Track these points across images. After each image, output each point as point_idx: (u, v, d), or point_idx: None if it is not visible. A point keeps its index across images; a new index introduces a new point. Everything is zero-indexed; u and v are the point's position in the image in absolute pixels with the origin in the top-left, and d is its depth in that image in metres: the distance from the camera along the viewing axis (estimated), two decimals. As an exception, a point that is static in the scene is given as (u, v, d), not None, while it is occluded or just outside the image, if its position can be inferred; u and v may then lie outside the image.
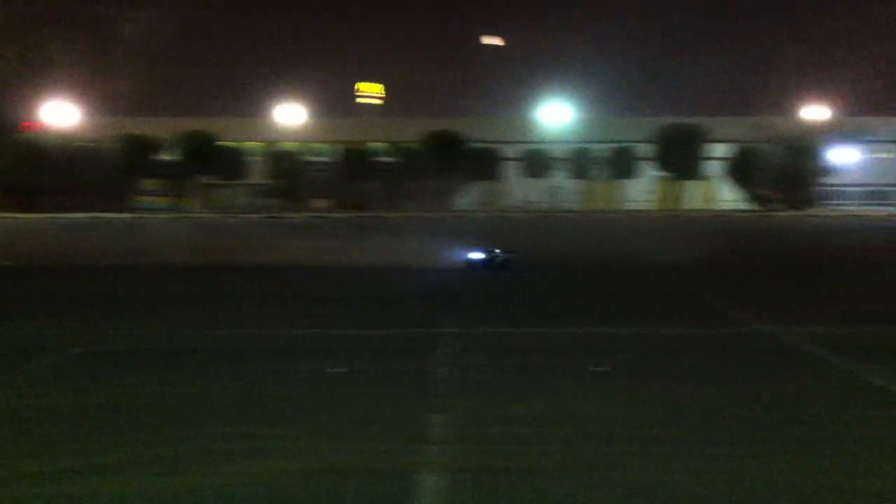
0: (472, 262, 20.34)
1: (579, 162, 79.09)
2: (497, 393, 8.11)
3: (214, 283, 18.08)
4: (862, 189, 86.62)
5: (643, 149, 76.75)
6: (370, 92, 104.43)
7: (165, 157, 77.99)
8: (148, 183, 79.38)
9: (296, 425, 7.10)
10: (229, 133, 78.97)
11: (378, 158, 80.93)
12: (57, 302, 15.23)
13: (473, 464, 6.09)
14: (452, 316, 13.07)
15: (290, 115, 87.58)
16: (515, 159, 79.17)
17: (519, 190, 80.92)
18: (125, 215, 61.88)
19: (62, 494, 5.48)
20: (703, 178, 79.11)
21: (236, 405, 7.77)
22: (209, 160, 74.76)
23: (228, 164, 77.00)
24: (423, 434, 6.79)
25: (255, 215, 63.58)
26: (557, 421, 7.22)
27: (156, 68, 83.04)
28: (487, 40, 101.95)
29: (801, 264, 24.06)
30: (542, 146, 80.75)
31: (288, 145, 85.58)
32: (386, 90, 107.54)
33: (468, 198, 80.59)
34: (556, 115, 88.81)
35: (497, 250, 20.55)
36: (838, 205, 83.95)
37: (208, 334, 11.66)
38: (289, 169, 78.39)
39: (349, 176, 77.69)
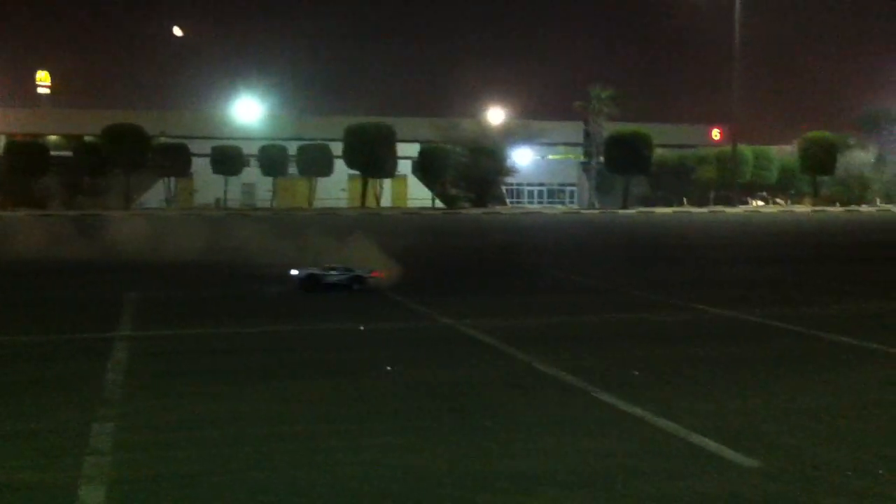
0: None
1: (272, 159, 78.25)
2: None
3: None
4: (539, 188, 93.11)
5: (335, 147, 77.40)
6: (43, 81, 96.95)
7: None
8: None
9: None
10: None
11: (52, 153, 75.31)
12: None
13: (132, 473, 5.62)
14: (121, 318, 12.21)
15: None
16: (207, 155, 76.91)
17: (211, 187, 78.73)
18: None
19: None
20: (395, 176, 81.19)
21: None
22: None
23: None
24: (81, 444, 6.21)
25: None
26: (215, 422, 6.86)
27: None
28: (177, 30, 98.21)
29: (479, 260, 25.17)
30: (234, 142, 79.06)
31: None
32: (59, 79, 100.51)
33: (157, 195, 77.25)
34: (248, 111, 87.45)
35: None
36: (518, 203, 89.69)
37: None
38: None
39: (19, 171, 71.63)
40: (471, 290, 15.98)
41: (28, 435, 6.52)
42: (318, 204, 77.53)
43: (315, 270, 15.15)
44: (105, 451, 6.09)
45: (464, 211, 71.54)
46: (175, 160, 74.05)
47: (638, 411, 7.14)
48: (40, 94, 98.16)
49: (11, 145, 74.49)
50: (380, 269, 15.69)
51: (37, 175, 71.52)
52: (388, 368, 8.78)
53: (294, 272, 15.16)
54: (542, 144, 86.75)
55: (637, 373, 8.60)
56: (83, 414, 7.05)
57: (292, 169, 79.42)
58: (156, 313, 12.75)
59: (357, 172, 77.66)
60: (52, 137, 79.84)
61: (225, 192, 76.81)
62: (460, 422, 6.89)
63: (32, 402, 7.50)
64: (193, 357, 9.59)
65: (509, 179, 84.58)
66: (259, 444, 6.26)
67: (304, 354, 9.69)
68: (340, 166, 77.70)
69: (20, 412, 7.17)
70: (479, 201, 77.56)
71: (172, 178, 76.37)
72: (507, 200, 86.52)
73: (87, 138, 75.91)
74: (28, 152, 72.62)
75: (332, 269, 15.25)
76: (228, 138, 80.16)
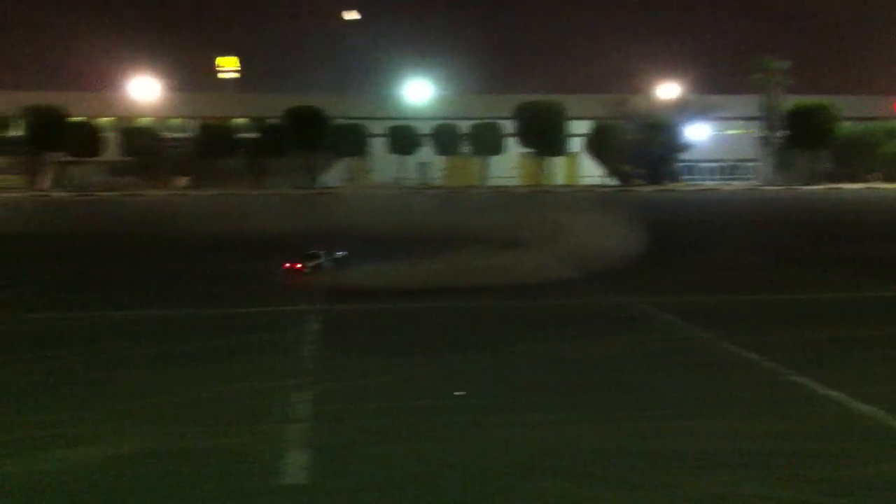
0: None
1: (445, 138, 79.32)
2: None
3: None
4: (715, 164, 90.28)
5: (508, 125, 77.58)
6: (228, 66, 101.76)
7: (10, 133, 74.11)
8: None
9: (96, 409, 6.70)
10: (81, 107, 75.67)
11: (238, 135, 79.11)
12: None
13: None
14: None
15: (145, 89, 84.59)
16: (382, 135, 78.75)
17: (386, 166, 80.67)
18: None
19: None
20: (566, 154, 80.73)
21: (55, 391, 7.31)
22: (59, 136, 71.30)
23: (80, 140, 73.64)
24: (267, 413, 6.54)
25: (111, 193, 61.32)
26: (397, 393, 7.08)
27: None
28: (348, 15, 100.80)
29: (658, 237, 24.64)
30: (408, 122, 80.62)
31: (144, 120, 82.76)
32: (244, 64, 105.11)
33: (333, 174, 79.83)
34: (421, 91, 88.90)
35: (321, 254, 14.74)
36: (693, 179, 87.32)
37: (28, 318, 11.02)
38: (145, 145, 75.70)
39: (208, 153, 75.66)
40: (650, 268, 15.73)
41: (232, 400, 6.91)
42: (489, 182, 78.10)
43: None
44: (304, 419, 6.40)
45: (637, 188, 70.34)
46: (352, 140, 76.27)
47: (832, 393, 6.91)
48: (226, 80, 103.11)
49: (203, 128, 78.71)
50: None
51: (225, 156, 75.35)
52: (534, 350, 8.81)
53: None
54: (718, 119, 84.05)
55: (826, 354, 8.31)
56: (282, 382, 7.41)
57: (465, 147, 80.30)
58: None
59: (529, 150, 77.67)
60: (239, 120, 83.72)
61: (400, 170, 78.53)
62: (632, 400, 6.85)
63: (238, 367, 7.95)
64: (378, 330, 9.88)
65: (684, 156, 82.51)
66: (430, 416, 6.44)
67: (475, 331, 9.81)
68: (512, 144, 77.96)
69: (227, 377, 7.60)
70: (653, 178, 76.08)
71: (350, 158, 78.65)
72: (682, 177, 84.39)
73: (270, 121, 79.21)
74: (217, 135, 76.59)
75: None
76: (403, 119, 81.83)
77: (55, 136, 70.72)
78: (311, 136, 74.08)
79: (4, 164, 75.97)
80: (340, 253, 14.89)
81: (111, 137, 78.16)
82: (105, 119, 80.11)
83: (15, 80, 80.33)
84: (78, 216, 36.69)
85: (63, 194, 62.47)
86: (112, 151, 76.70)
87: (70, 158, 75.77)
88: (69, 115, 73.08)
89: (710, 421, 6.24)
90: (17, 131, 73.37)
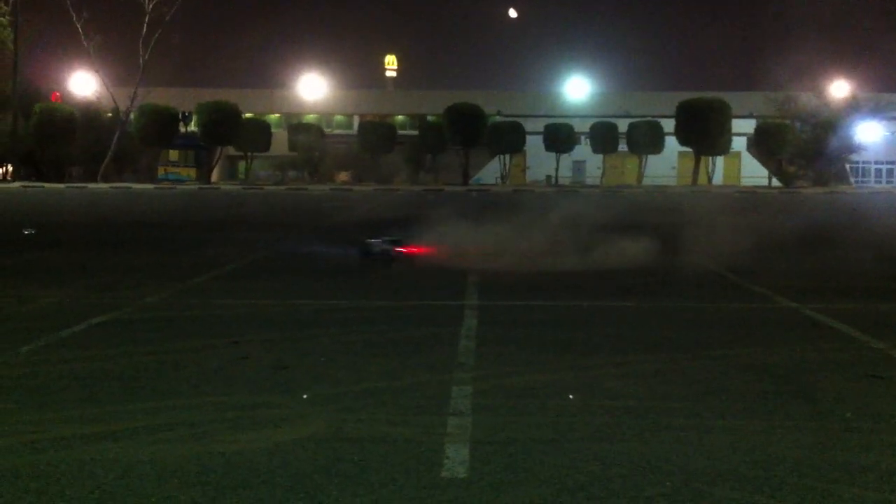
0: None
1: (602, 136, 78.55)
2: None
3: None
4: (890, 166, 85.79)
5: (667, 124, 76.14)
6: (390, 65, 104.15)
7: (188, 128, 78.23)
8: (171, 154, 79.76)
9: (298, 393, 7.08)
10: (252, 105, 79.08)
11: (398, 131, 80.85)
12: (85, 270, 15.30)
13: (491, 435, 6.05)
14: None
15: (311, 87, 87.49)
16: (539, 133, 78.78)
17: (541, 164, 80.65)
18: (150, 186, 62.17)
19: (73, 459, 5.52)
20: (728, 153, 78.52)
21: (251, 373, 7.78)
22: (231, 132, 74.80)
23: (250, 135, 77.00)
24: (442, 404, 6.76)
25: (277, 187, 63.79)
26: (560, 391, 7.17)
27: (178, 38, 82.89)
28: (512, 12, 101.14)
29: (826, 240, 23.77)
30: (565, 120, 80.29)
31: (310, 117, 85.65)
32: (404, 62, 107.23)
33: (487, 172, 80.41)
34: (578, 88, 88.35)
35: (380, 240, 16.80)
36: (864, 182, 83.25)
37: (249, 303, 11.67)
38: (311, 141, 78.38)
39: (370, 149, 77.62)
40: (817, 273, 15.25)
41: (393, 391, 7.15)
42: (646, 181, 76.86)
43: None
44: (465, 412, 6.56)
45: (802, 190, 67.69)
46: (510, 137, 76.61)
47: None
48: (388, 77, 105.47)
49: (364, 125, 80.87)
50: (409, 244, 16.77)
51: (385, 152, 77.14)
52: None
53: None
54: (892, 119, 79.82)
55: None
56: (442, 375, 7.65)
57: (622, 146, 79.31)
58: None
59: (689, 149, 75.99)
60: (399, 117, 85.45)
61: (556, 168, 78.30)
62: (810, 409, 6.73)
63: (407, 360, 8.20)
64: (541, 327, 9.98)
65: (854, 157, 78.80)
66: (602, 416, 6.48)
67: (643, 330, 9.83)
68: (670, 143, 76.40)
69: (396, 368, 7.86)
70: (820, 180, 73.04)
71: (506, 156, 79.09)
72: (852, 180, 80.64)
73: (429, 118, 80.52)
74: (377, 131, 78.49)
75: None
76: (560, 116, 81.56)
77: (227, 131, 74.20)
78: (469, 133, 74.85)
79: (179, 157, 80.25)
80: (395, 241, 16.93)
81: (278, 133, 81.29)
82: (273, 116, 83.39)
83: (195, 79, 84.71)
84: (249, 207, 38.37)
85: (232, 187, 65.45)
86: (279, 147, 79.79)
87: (240, 153, 79.30)
88: (241, 112, 76.52)
89: None
90: (194, 127, 77.37)
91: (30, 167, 70.88)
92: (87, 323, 10.02)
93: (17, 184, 64.22)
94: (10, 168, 71.84)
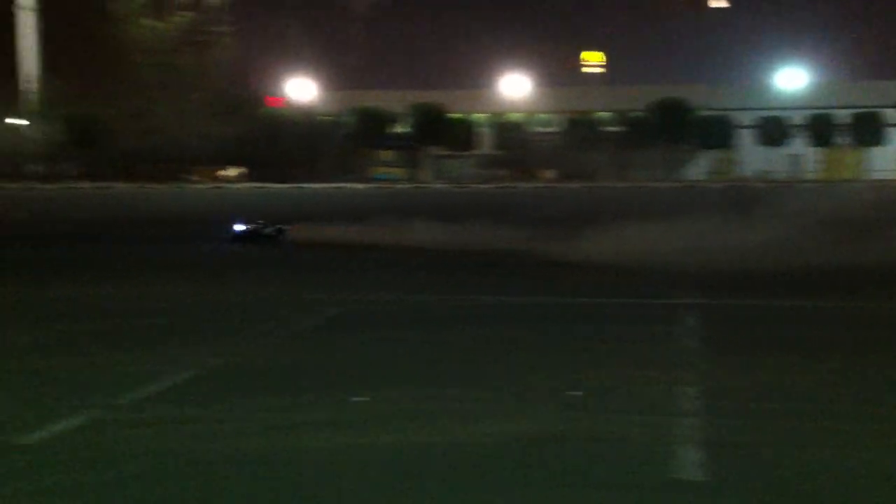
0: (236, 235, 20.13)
1: (819, 129, 74.77)
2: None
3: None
4: None
5: (890, 115, 71.57)
6: (593, 60, 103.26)
7: (398, 129, 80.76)
8: (382, 154, 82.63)
9: (516, 387, 7.27)
10: (458, 105, 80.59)
11: (603, 128, 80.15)
12: (314, 265, 16.33)
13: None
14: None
15: (515, 85, 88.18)
16: (750, 127, 75.92)
17: (754, 159, 77.66)
18: (362, 186, 64.51)
19: (295, 447, 5.89)
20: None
21: (469, 367, 8.06)
22: (439, 132, 76.73)
23: (457, 135, 78.67)
24: (657, 404, 6.79)
25: (484, 185, 64.74)
26: (787, 394, 7.04)
27: (387, 42, 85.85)
28: (715, 2, 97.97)
29: None
30: (778, 113, 76.98)
31: (514, 116, 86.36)
32: (608, 58, 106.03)
33: (699, 167, 78.28)
34: (793, 79, 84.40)
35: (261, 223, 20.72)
36: None
37: (472, 300, 12.10)
38: (515, 139, 79.10)
39: (574, 146, 77.44)
40: None
41: (613, 390, 7.17)
42: (868, 175, 72.45)
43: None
44: (692, 413, 6.50)
45: None
46: (718, 133, 74.29)
47: None
48: (590, 74, 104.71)
49: (569, 122, 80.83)
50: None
51: (589, 149, 76.78)
52: None
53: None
54: None
55: None
56: (663, 374, 7.60)
57: (840, 138, 75.18)
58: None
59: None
60: (603, 114, 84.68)
61: (768, 163, 75.21)
62: None
63: (620, 358, 8.26)
64: (758, 327, 9.78)
65: None
66: (845, 421, 6.27)
67: (874, 332, 9.48)
68: (892, 135, 71.80)
69: (610, 366, 7.94)
70: None
71: (716, 151, 76.59)
72: None
73: (633, 114, 79.33)
74: (582, 128, 78.28)
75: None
76: (773, 109, 78.28)
77: (435, 131, 76.16)
78: (676, 129, 73.24)
79: (391, 157, 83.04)
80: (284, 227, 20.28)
81: (484, 132, 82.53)
82: (479, 115, 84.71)
83: (405, 82, 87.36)
84: (455, 206, 39.21)
85: (440, 186, 67.05)
86: (484, 146, 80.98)
87: (447, 152, 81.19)
88: (448, 112, 78.28)
89: None
90: (404, 128, 79.82)
91: (258, 169, 75.25)
92: (323, 317, 10.83)
93: (246, 185, 68.52)
94: (238, 171, 76.74)
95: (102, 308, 11.67)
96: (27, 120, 76.05)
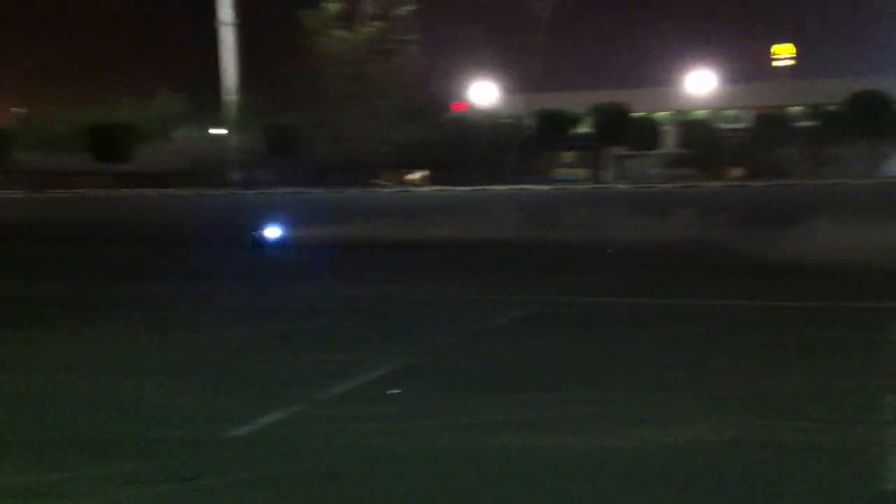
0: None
1: None
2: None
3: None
4: None
5: None
6: (783, 54, 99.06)
7: (579, 129, 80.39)
8: (563, 155, 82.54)
9: (689, 393, 7.13)
10: (640, 103, 79.39)
11: (794, 123, 76.87)
12: (497, 269, 16.62)
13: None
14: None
15: (700, 82, 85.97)
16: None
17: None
18: (545, 187, 64.61)
19: (489, 447, 5.95)
20: None
21: (651, 370, 7.97)
22: (621, 131, 75.82)
23: (640, 134, 77.46)
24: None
25: (669, 185, 63.53)
26: None
27: (569, 43, 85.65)
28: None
29: None
30: None
31: (699, 113, 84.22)
32: (799, 50, 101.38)
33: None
34: None
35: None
36: None
37: (663, 302, 12.03)
38: (701, 137, 77.08)
39: (763, 142, 74.66)
40: None
41: (815, 397, 6.88)
42: None
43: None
44: None
45: None
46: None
47: None
48: (780, 67, 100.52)
49: (757, 118, 78.09)
50: None
51: (780, 145, 73.88)
52: None
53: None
54: None
55: None
56: (871, 381, 7.26)
57: None
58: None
59: None
60: (795, 108, 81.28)
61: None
62: None
63: (820, 363, 7.99)
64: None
65: None
66: None
67: None
68: None
69: (808, 371, 7.65)
70: None
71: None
72: None
73: (829, 107, 75.76)
74: (772, 124, 75.41)
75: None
76: None
77: (618, 131, 75.37)
78: (876, 122, 69.30)
79: (572, 158, 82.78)
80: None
81: (668, 131, 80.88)
82: (662, 113, 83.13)
83: (587, 82, 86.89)
84: (640, 205, 38.69)
85: (623, 186, 66.22)
86: (668, 144, 79.38)
87: (629, 152, 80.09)
88: (631, 111, 77.26)
89: None
90: (585, 128, 79.39)
91: (441, 172, 76.81)
92: (507, 317, 11.00)
93: (429, 188, 70.08)
94: (421, 174, 78.64)
95: (313, 307, 12.27)
96: (227, 130, 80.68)
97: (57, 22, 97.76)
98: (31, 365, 8.79)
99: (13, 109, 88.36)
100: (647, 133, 78.41)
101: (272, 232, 20.56)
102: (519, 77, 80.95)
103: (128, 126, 76.33)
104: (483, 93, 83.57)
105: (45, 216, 39.40)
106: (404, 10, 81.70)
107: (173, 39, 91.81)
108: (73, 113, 78.45)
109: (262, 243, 20.12)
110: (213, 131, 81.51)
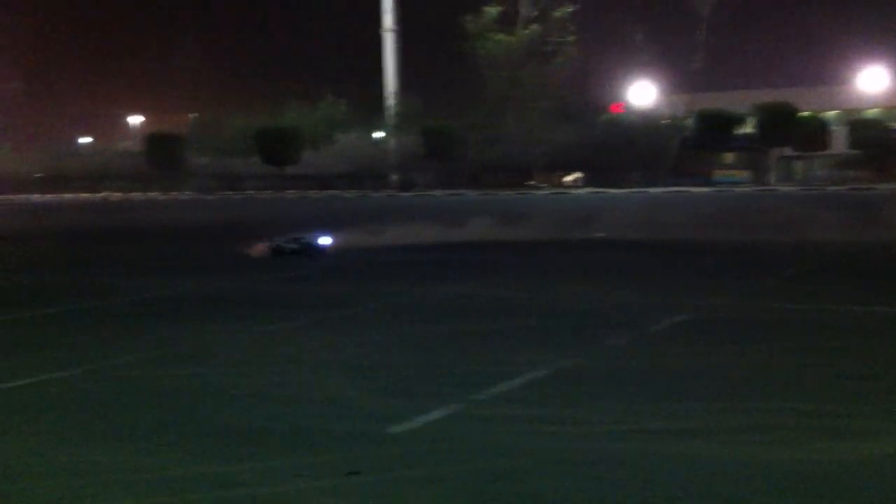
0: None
1: None
2: None
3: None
4: None
5: None
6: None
7: (741, 130, 77.94)
8: (724, 157, 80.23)
9: (872, 405, 6.95)
10: (807, 102, 76.23)
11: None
12: (653, 271, 16.45)
13: None
14: None
15: (873, 79, 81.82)
16: None
17: None
18: (704, 189, 63.19)
19: (666, 452, 5.94)
20: None
21: (820, 381, 7.80)
22: (786, 132, 72.93)
23: (806, 134, 74.31)
24: None
25: (836, 187, 60.84)
26: None
27: (731, 42, 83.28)
28: None
29: None
30: None
31: (871, 112, 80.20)
32: None
33: None
34: None
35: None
36: None
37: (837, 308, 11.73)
38: (873, 138, 73.28)
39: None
40: None
41: None
42: None
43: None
44: None
45: None
46: None
47: None
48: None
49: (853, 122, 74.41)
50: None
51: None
52: None
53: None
54: None
55: None
56: None
57: None
58: None
59: None
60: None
61: None
62: None
63: None
64: None
65: None
66: None
67: None
68: None
69: None
70: None
71: None
72: None
73: None
74: None
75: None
76: None
77: (783, 131, 72.59)
78: None
79: (733, 160, 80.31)
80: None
81: (837, 131, 77.32)
82: (831, 112, 79.56)
83: (749, 82, 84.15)
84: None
85: (788, 188, 63.85)
86: (838, 145, 75.85)
87: (795, 153, 76.98)
88: (797, 111, 74.28)
89: None
90: (747, 128, 76.88)
91: (596, 174, 76.09)
92: (669, 322, 10.87)
93: (584, 190, 69.62)
94: (574, 176, 78.13)
95: (480, 308, 12.53)
96: (387, 133, 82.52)
97: (229, 32, 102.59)
98: (216, 357, 9.40)
99: (190, 115, 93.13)
100: (814, 133, 75.06)
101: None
102: (679, 77, 79.26)
103: (294, 130, 79.07)
104: (642, 93, 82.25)
105: (225, 217, 41.19)
106: (563, 11, 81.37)
107: (337, 46, 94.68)
108: (242, 118, 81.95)
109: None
110: (374, 135, 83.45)
